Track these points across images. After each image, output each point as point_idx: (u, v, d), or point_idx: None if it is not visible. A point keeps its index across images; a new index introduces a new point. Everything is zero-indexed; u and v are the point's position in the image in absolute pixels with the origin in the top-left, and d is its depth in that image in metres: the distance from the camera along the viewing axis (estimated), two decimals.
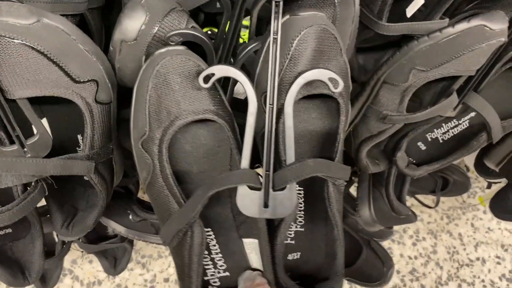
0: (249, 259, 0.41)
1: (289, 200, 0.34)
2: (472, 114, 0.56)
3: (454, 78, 0.48)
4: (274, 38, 0.31)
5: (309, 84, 0.35)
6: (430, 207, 1.01)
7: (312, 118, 0.39)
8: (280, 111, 0.34)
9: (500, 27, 0.41)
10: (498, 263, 1.16)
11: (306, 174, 0.34)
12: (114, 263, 0.81)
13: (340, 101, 0.37)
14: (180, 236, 0.35)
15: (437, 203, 0.97)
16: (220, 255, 0.41)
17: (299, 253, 0.44)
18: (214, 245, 0.41)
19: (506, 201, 0.87)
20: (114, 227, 0.64)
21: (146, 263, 1.01)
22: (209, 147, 0.36)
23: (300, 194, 0.43)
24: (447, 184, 0.98)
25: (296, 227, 0.44)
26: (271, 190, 0.34)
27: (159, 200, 0.35)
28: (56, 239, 0.68)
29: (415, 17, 0.48)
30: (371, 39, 0.51)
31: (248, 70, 0.39)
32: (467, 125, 0.56)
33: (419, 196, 1.09)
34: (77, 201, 0.45)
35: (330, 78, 0.34)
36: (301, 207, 0.43)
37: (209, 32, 0.46)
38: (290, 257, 0.44)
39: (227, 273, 0.41)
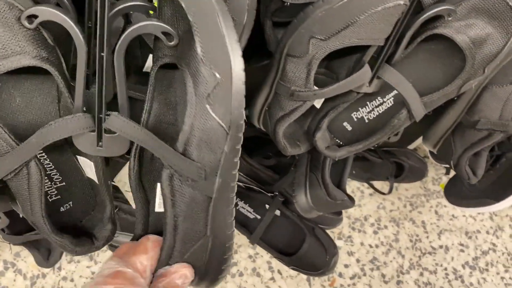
0: (84, 172, 0.42)
1: (121, 142, 0.35)
2: (396, 91, 0.52)
3: (365, 49, 0.44)
4: None
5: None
6: (384, 193, 0.98)
7: None
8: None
9: None
10: (462, 250, 1.14)
11: (130, 137, 0.34)
12: (48, 255, 0.77)
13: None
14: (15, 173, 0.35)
15: (390, 190, 0.94)
16: (55, 170, 0.41)
17: None
18: (48, 163, 0.40)
19: (460, 187, 0.84)
20: None
21: (93, 255, 0.98)
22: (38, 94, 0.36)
23: None
24: (402, 170, 0.95)
25: None
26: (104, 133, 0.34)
27: None
28: None
29: None
30: (289, 11, 0.48)
31: None
32: (392, 103, 0.52)
33: (375, 183, 1.06)
34: None
35: (164, 32, 0.30)
36: None
37: None
38: None
39: (63, 183, 0.42)
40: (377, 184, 1.08)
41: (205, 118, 0.34)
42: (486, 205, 0.84)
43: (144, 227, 0.40)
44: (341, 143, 0.56)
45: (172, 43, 0.32)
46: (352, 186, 1.13)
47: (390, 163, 0.90)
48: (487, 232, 1.18)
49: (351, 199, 0.68)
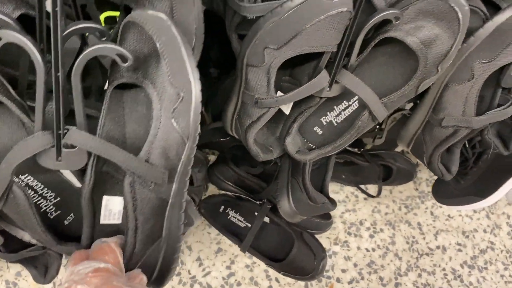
0: (72, 183, 0.44)
1: (79, 156, 0.37)
2: None
3: (321, 56, 0.47)
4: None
5: None
6: (373, 196, 0.99)
7: None
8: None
9: None
10: (459, 250, 1.14)
11: (92, 149, 0.37)
12: (45, 271, 0.80)
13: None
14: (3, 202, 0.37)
15: (378, 192, 0.95)
16: (46, 189, 0.43)
17: None
18: (38, 184, 0.43)
19: (446, 186, 0.85)
20: (22, 235, 0.63)
21: None
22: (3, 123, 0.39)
23: None
24: (391, 173, 0.97)
25: None
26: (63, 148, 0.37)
27: None
28: None
29: None
30: (251, 24, 0.50)
31: None
32: (357, 105, 0.54)
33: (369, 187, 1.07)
34: None
35: (119, 54, 0.33)
36: None
37: None
38: None
39: (58, 199, 0.44)
40: (371, 188, 1.09)
41: (169, 130, 0.37)
42: (473, 202, 0.85)
43: (90, 237, 0.42)
44: (313, 147, 0.58)
45: (126, 64, 0.35)
46: (346, 191, 1.14)
47: (377, 166, 0.91)
48: (484, 231, 1.18)
49: (332, 202, 0.70)
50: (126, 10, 0.45)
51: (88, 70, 0.49)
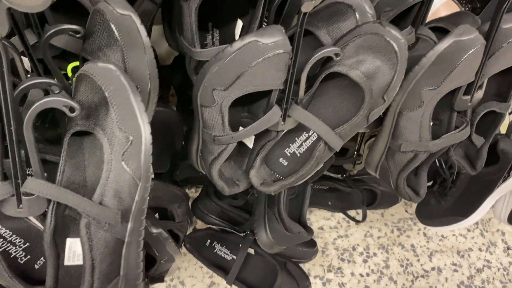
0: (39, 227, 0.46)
1: (39, 202, 0.40)
2: None
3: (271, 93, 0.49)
4: None
5: None
6: (359, 221, 1.00)
7: None
8: None
9: (273, 40, 0.42)
10: (455, 270, 1.13)
11: (49, 196, 0.39)
12: None
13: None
14: None
15: (363, 217, 0.96)
16: (14, 236, 0.45)
17: None
18: (6, 231, 0.44)
19: (429, 206, 0.86)
20: None
21: None
22: None
23: None
24: (376, 197, 0.98)
25: None
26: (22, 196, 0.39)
27: None
28: None
29: None
30: None
31: None
32: (316, 136, 0.56)
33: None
34: None
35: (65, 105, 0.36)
36: None
37: None
38: None
39: (27, 244, 0.46)
40: (360, 212, 1.10)
41: (120, 172, 0.40)
42: (455, 222, 0.85)
43: (55, 280, 0.44)
44: (280, 177, 0.60)
45: (74, 114, 0.38)
46: (338, 217, 1.15)
47: (360, 191, 0.93)
48: (480, 249, 1.17)
49: (309, 231, 0.71)
50: (85, 61, 0.48)
51: (57, 119, 0.52)
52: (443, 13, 0.72)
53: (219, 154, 0.53)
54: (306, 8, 0.40)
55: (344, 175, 0.94)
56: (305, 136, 0.57)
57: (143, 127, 0.40)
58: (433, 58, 0.50)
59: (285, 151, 0.59)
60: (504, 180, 0.78)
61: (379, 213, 1.17)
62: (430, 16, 0.72)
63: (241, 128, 0.56)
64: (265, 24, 0.52)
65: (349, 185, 0.93)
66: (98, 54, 0.45)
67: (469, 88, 0.55)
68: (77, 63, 0.54)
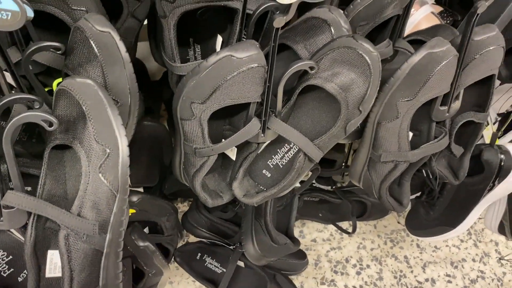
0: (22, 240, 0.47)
1: (19, 215, 0.41)
2: None
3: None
4: None
5: None
6: (348, 233, 1.00)
7: None
8: None
9: (247, 54, 0.44)
10: (449, 281, 1.13)
11: (28, 208, 0.41)
12: None
13: None
14: None
15: (353, 229, 0.96)
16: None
17: None
18: None
19: (418, 217, 0.87)
20: None
21: None
22: None
23: None
24: (366, 208, 0.98)
25: None
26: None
27: None
28: None
29: None
30: None
31: None
32: (297, 148, 0.57)
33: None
34: None
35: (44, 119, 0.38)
36: None
37: None
38: None
39: (10, 257, 0.48)
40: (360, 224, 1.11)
41: (98, 184, 0.41)
42: (444, 232, 0.86)
43: None
44: (264, 188, 0.61)
45: (52, 128, 0.39)
46: (330, 229, 1.15)
47: (350, 202, 0.93)
48: (473, 260, 1.17)
49: (296, 242, 0.72)
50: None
51: (41, 135, 0.54)
52: (424, 26, 0.73)
53: (200, 166, 0.54)
54: (278, 23, 0.42)
55: (334, 187, 0.95)
56: (286, 147, 0.58)
57: (120, 140, 0.41)
58: (407, 70, 0.51)
59: (268, 162, 0.60)
60: (490, 190, 0.79)
61: (372, 224, 1.17)
62: (412, 29, 0.74)
63: (223, 140, 0.57)
64: (244, 39, 0.54)
65: (339, 196, 0.93)
66: (79, 70, 0.46)
67: (446, 99, 0.56)
68: (61, 79, 0.55)
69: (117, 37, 0.45)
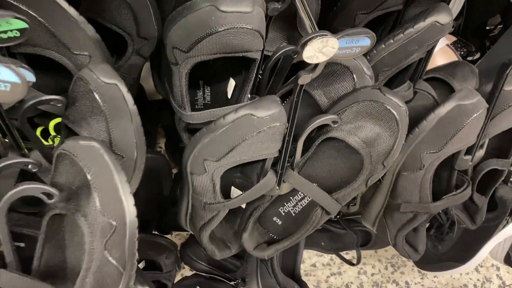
0: None
1: None
2: None
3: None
4: None
5: None
6: (353, 264, 0.97)
7: None
8: None
9: (268, 113, 0.40)
10: None
11: None
12: None
13: None
14: None
15: (358, 260, 0.93)
16: None
17: None
18: None
19: (425, 250, 0.83)
20: None
21: None
22: None
23: None
24: (370, 237, 0.95)
25: None
26: None
27: None
28: None
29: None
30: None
31: None
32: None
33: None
34: None
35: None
36: None
37: None
38: None
39: None
40: (353, 252, 1.07)
41: (103, 263, 0.37)
42: (452, 268, 0.83)
43: None
44: (275, 237, 0.58)
45: (52, 201, 0.35)
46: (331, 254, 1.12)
47: (354, 233, 0.90)
48: (475, 286, 1.15)
49: (303, 285, 0.68)
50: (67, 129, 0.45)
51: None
52: (439, 59, 0.70)
53: (209, 220, 0.50)
54: (303, 81, 0.38)
55: (338, 216, 0.92)
56: (300, 195, 0.55)
57: (127, 211, 0.37)
58: (434, 121, 0.48)
59: (280, 210, 0.56)
60: (503, 227, 0.77)
61: (373, 249, 1.15)
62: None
63: (233, 188, 0.53)
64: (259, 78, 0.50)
65: (342, 226, 0.90)
66: (82, 124, 0.42)
67: (470, 148, 0.53)
68: (59, 120, 0.51)
69: (124, 89, 0.41)
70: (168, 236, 0.88)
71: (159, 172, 0.71)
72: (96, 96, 0.40)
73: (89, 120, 0.42)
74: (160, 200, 0.77)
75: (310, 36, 0.34)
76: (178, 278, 0.87)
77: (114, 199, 0.36)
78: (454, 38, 0.78)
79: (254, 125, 0.40)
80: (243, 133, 0.40)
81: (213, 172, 0.44)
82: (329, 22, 0.55)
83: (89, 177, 0.36)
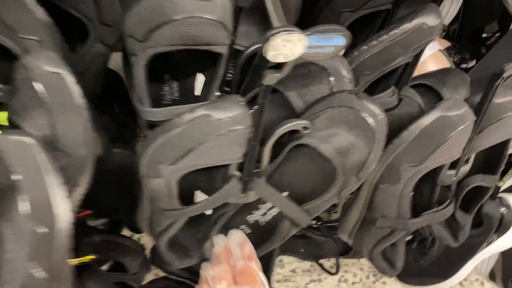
0: None
1: None
2: None
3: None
4: None
5: None
6: (331, 273, 0.94)
7: None
8: None
9: (228, 115, 0.36)
10: None
11: None
12: None
13: None
14: None
15: (337, 269, 0.90)
16: None
17: None
18: None
19: (407, 264, 0.80)
20: None
21: None
22: None
23: None
24: (351, 246, 0.91)
25: None
26: None
27: None
28: None
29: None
30: None
31: None
32: None
33: None
34: None
35: None
36: None
37: None
38: None
39: None
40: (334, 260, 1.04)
41: (27, 274, 0.32)
42: (433, 283, 0.80)
43: None
44: None
45: None
46: None
47: (334, 240, 0.86)
48: None
49: None
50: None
51: None
52: (430, 65, 0.66)
53: (167, 227, 0.46)
54: (269, 81, 0.34)
55: (319, 223, 0.88)
56: (270, 204, 0.51)
57: (57, 217, 0.32)
58: (415, 132, 0.44)
59: (247, 218, 0.52)
60: (488, 244, 0.73)
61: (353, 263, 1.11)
62: (418, 68, 0.67)
63: (198, 192, 0.49)
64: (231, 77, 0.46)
65: (322, 233, 0.86)
66: (23, 116, 0.38)
67: (455, 162, 0.49)
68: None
69: (70, 80, 0.37)
70: (140, 236, 0.84)
71: (131, 170, 0.67)
72: (37, 86, 0.36)
73: (31, 113, 0.38)
74: (132, 198, 0.73)
75: (274, 31, 0.30)
76: (152, 277, 0.83)
77: (43, 204, 0.32)
78: (448, 44, 0.74)
79: (213, 127, 0.36)
80: (199, 136, 0.36)
81: (169, 177, 0.40)
82: (312, 20, 0.51)
83: (13, 177, 0.32)
